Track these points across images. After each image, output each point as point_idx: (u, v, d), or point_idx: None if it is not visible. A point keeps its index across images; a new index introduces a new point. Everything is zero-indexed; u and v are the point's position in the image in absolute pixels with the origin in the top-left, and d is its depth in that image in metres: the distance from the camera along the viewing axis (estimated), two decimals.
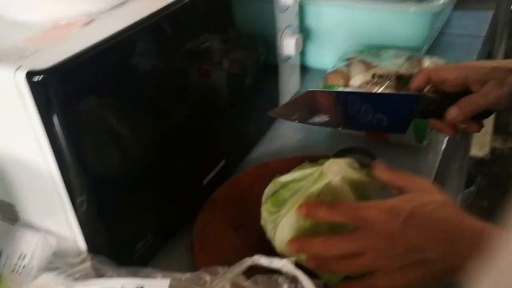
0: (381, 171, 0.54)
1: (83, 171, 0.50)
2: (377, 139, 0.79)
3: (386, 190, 0.54)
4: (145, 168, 0.58)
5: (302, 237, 0.52)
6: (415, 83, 0.65)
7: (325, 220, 0.51)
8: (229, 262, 0.58)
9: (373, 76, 0.77)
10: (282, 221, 0.54)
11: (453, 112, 0.61)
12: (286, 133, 0.87)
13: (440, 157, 0.77)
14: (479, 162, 1.97)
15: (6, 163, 0.53)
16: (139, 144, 0.56)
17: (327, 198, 0.53)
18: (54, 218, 0.54)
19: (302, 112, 0.67)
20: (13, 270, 0.55)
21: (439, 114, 0.62)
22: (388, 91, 0.77)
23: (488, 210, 1.71)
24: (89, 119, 0.48)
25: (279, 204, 0.56)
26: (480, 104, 0.60)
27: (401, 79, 0.76)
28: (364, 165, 0.58)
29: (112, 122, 0.52)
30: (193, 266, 0.59)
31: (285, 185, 0.57)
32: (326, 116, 0.66)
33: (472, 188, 1.72)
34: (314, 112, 0.66)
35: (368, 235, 0.48)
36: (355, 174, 0.55)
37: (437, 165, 0.76)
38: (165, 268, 0.52)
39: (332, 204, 0.51)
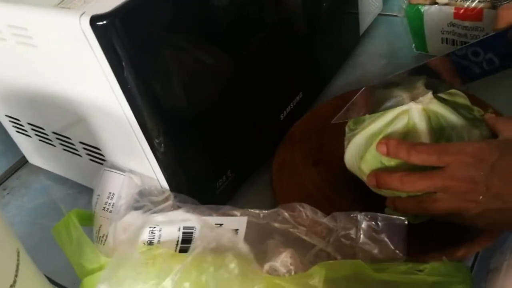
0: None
1: (157, 113, 0.50)
2: None
3: (470, 125, 0.50)
4: (221, 106, 0.57)
5: (380, 172, 0.49)
6: None
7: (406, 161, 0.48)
8: (310, 197, 0.58)
9: None
10: (353, 140, 0.53)
11: None
12: (369, 59, 0.82)
13: None
14: None
15: (88, 109, 0.54)
16: (214, 80, 0.55)
17: (398, 123, 0.50)
18: (136, 159, 0.56)
19: (369, 106, 0.61)
20: (103, 209, 0.58)
21: None
22: (482, 5, 0.69)
23: None
24: (158, 59, 0.48)
25: (358, 122, 0.55)
26: None
27: None
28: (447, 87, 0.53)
29: (184, 60, 0.51)
30: (273, 203, 0.59)
31: None
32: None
33: None
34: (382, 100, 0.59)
35: (449, 177, 0.45)
36: (437, 104, 0.51)
37: None
38: (245, 205, 0.52)
39: (414, 145, 0.47)
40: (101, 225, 0.57)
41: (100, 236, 0.57)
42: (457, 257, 0.48)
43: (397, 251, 0.42)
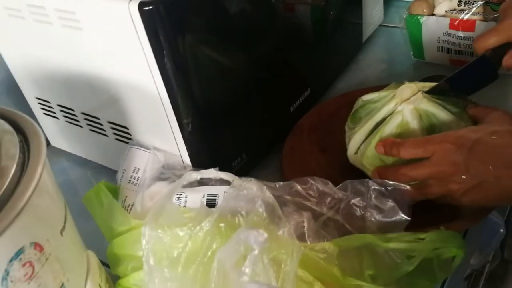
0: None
1: (189, 96, 0.56)
2: None
3: (457, 118, 0.57)
4: (240, 96, 0.64)
5: (380, 168, 0.57)
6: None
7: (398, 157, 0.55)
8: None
9: (459, 2, 0.77)
10: (353, 137, 0.61)
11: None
12: (370, 64, 0.89)
13: None
14: None
15: (122, 90, 0.60)
16: (237, 73, 0.62)
17: (393, 122, 0.57)
18: (163, 138, 0.61)
19: None
20: (129, 182, 0.63)
21: None
22: (475, 18, 0.76)
23: None
24: (194, 47, 0.54)
25: (355, 121, 0.61)
26: None
27: (489, 3, 0.75)
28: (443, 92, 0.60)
29: (212, 52, 0.57)
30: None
31: (363, 104, 0.61)
32: None
33: None
34: None
35: (434, 164, 0.52)
36: (426, 103, 0.57)
37: None
38: None
39: (402, 142, 0.54)
40: (126, 196, 0.63)
41: (126, 206, 0.62)
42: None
43: (403, 214, 0.48)
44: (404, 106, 0.58)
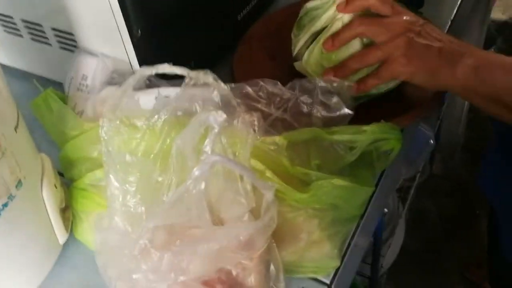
0: None
1: (140, 2, 0.56)
2: None
3: None
4: (187, 3, 0.63)
5: (334, 67, 0.59)
6: None
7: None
8: None
9: None
10: (297, 44, 0.63)
11: None
12: None
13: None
14: (502, 24, 1.96)
15: None
16: None
17: (334, 29, 0.60)
18: (111, 44, 0.61)
19: None
20: (78, 89, 0.63)
21: None
22: None
23: None
24: None
25: (300, 28, 0.64)
26: None
27: None
28: None
29: None
30: None
31: (307, 12, 0.64)
32: None
33: (492, 49, 1.74)
34: None
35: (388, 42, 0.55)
36: None
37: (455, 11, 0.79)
38: None
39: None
40: (76, 103, 0.62)
41: (76, 113, 0.62)
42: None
43: (346, 108, 0.52)
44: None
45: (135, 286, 0.38)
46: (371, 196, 0.56)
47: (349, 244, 0.53)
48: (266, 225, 0.40)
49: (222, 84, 0.46)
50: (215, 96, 0.43)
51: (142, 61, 0.61)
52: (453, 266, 1.54)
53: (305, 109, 0.54)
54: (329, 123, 0.53)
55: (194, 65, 0.67)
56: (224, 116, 0.38)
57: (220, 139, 0.39)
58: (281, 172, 0.49)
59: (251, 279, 0.43)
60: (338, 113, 0.52)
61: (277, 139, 0.50)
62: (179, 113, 0.41)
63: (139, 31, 0.58)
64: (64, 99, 0.64)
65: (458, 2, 0.80)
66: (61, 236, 0.54)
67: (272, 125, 0.57)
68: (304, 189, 0.48)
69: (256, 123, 0.54)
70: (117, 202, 0.42)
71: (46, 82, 0.74)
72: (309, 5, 0.64)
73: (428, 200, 1.70)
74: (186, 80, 0.44)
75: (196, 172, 0.35)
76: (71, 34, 0.64)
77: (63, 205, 0.55)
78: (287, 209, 0.48)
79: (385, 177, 0.58)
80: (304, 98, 0.54)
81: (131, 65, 0.62)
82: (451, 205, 1.70)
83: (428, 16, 0.65)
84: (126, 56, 0.61)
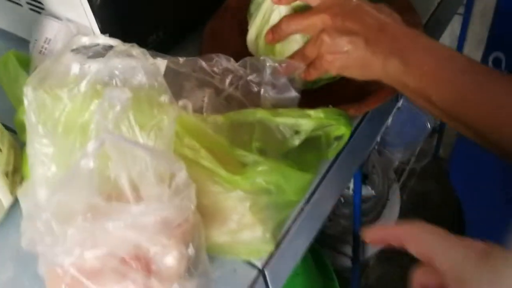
0: None
1: None
2: None
3: None
4: None
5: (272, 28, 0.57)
6: None
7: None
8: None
9: None
10: (248, 33, 0.61)
11: None
12: None
13: None
14: None
15: None
16: None
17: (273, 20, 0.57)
18: (73, 8, 0.60)
19: None
20: (40, 52, 0.63)
21: None
22: None
23: None
24: None
25: (250, 15, 0.62)
26: None
27: None
28: None
29: None
30: None
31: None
32: None
33: None
34: None
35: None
36: None
37: None
38: None
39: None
40: (36, 66, 0.62)
41: None
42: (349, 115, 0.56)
43: (294, 90, 0.50)
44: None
45: (43, 258, 0.38)
46: (320, 182, 0.54)
47: (288, 229, 0.52)
48: (181, 204, 0.40)
49: (151, 60, 0.44)
50: (139, 71, 0.42)
51: (104, 28, 0.60)
52: None
53: (254, 88, 0.52)
54: (278, 104, 0.52)
55: (162, 35, 0.67)
56: (128, 94, 0.37)
57: (128, 118, 0.38)
58: (218, 152, 0.48)
59: (170, 258, 0.43)
60: (285, 94, 0.50)
61: (219, 118, 0.49)
62: (98, 86, 0.40)
63: None
64: (27, 61, 0.64)
65: None
66: (6, 199, 0.54)
67: (225, 101, 0.55)
68: (240, 171, 0.47)
69: (206, 99, 0.53)
70: (37, 171, 0.41)
71: (22, 42, 0.74)
72: None
73: (432, 183, 1.66)
74: (110, 52, 0.43)
75: (85, 150, 0.34)
76: None
77: (10, 167, 0.55)
78: (218, 190, 0.47)
79: (339, 162, 0.57)
80: (253, 77, 0.52)
81: (93, 31, 0.61)
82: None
83: None
84: (87, 21, 0.60)
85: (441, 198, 1.65)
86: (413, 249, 0.37)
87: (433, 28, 0.70)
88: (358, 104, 0.57)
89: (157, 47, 0.66)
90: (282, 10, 0.57)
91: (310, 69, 0.53)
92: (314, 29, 0.52)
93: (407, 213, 1.47)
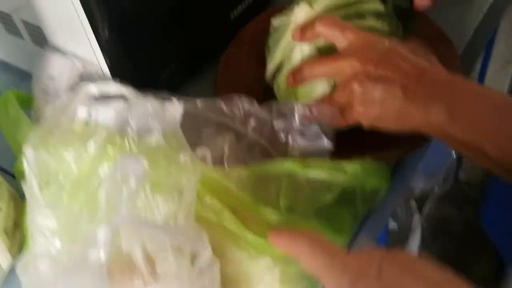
0: None
1: None
2: None
3: None
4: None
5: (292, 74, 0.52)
6: None
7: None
8: (251, 95, 0.58)
9: None
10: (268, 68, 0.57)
11: None
12: None
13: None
14: None
15: None
16: None
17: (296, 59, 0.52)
18: (79, 43, 0.55)
19: None
20: (42, 90, 0.57)
21: None
22: None
23: None
24: None
25: (268, 50, 0.57)
26: None
27: None
28: None
29: None
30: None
31: (272, 33, 0.57)
32: None
33: None
34: None
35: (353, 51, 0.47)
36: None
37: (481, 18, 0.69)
38: None
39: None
40: (38, 106, 0.57)
41: (38, 117, 0.56)
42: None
43: (326, 139, 0.44)
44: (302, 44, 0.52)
45: None
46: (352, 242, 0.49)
47: None
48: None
49: (171, 111, 0.39)
50: (155, 127, 0.36)
51: (113, 64, 0.55)
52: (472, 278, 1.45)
53: (280, 135, 0.46)
54: (308, 154, 0.46)
55: (175, 68, 0.61)
56: (144, 165, 0.31)
57: (144, 188, 0.33)
58: (244, 211, 0.42)
59: None
60: (316, 143, 0.45)
61: (243, 172, 0.43)
62: (109, 148, 0.35)
63: (105, 29, 0.52)
64: (30, 101, 0.58)
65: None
66: (5, 260, 0.48)
67: (248, 148, 0.50)
68: (267, 233, 0.41)
69: (226, 149, 0.47)
70: (38, 244, 0.36)
71: (25, 75, 0.69)
72: (275, 23, 0.56)
73: (452, 208, 1.60)
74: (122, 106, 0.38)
75: (95, 237, 0.29)
76: (39, 28, 0.58)
77: (10, 223, 0.50)
78: (244, 256, 0.41)
79: (372, 217, 0.51)
80: (280, 122, 0.46)
81: (100, 68, 0.56)
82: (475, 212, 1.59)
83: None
84: (94, 57, 0.55)
85: (461, 223, 1.59)
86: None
87: (470, 59, 0.64)
88: (396, 150, 0.51)
89: (170, 80, 0.60)
90: (304, 48, 0.51)
91: (340, 118, 0.48)
92: (342, 74, 0.46)
93: (426, 240, 1.40)
